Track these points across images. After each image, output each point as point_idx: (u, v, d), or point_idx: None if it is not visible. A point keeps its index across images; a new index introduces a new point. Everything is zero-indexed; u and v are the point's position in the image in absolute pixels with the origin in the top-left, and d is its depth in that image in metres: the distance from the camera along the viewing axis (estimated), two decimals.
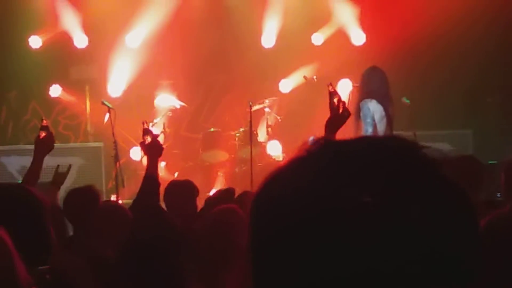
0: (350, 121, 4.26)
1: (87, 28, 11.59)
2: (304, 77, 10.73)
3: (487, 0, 10.97)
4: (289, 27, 11.65)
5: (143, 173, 10.95)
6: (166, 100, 11.25)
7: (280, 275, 0.97)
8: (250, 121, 9.56)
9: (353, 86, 9.13)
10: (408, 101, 9.24)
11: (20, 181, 5.29)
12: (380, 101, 7.57)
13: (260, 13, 11.65)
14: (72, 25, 11.57)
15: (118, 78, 11.56)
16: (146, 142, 4.66)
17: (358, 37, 11.62)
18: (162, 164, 11.01)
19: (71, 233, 4.58)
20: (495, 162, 7.35)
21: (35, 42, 11.53)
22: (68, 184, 9.95)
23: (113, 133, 9.04)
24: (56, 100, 11.83)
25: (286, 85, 11.74)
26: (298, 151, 1.04)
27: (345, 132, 4.03)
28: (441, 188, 0.98)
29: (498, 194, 5.31)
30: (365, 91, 7.80)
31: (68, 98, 11.84)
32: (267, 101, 10.84)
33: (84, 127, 12.00)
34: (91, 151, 10.96)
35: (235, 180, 10.03)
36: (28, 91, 11.79)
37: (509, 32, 11.08)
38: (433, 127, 10.60)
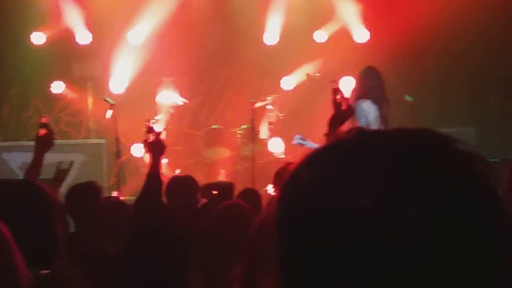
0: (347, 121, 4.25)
1: (90, 25, 11.58)
2: (307, 74, 10.72)
3: None
4: (292, 25, 11.64)
5: (144, 170, 10.92)
6: (168, 97, 11.24)
7: (309, 262, 0.97)
8: (252, 119, 9.55)
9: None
10: (411, 99, 9.24)
11: (21, 178, 5.28)
12: (374, 101, 7.56)
13: (263, 10, 11.64)
14: (75, 22, 11.57)
15: (121, 75, 11.56)
16: (149, 140, 4.65)
17: (361, 35, 11.61)
18: (164, 161, 11.01)
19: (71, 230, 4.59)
20: (497, 160, 7.33)
21: (37, 38, 11.53)
22: (69, 180, 9.95)
23: (115, 130, 9.03)
24: (58, 96, 11.83)
25: (289, 82, 11.73)
26: (330, 139, 1.04)
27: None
28: (471, 183, 0.97)
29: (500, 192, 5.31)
30: (359, 91, 7.80)
31: (70, 94, 11.85)
32: (269, 98, 10.83)
33: (86, 124, 12.01)
34: (93, 147, 10.96)
35: (236, 177, 10.03)
36: (30, 87, 11.79)
37: (511, 30, 11.06)
38: (435, 125, 10.54)
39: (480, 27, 10.77)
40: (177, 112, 11.33)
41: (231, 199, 5.18)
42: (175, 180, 5.71)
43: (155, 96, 11.44)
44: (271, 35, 11.73)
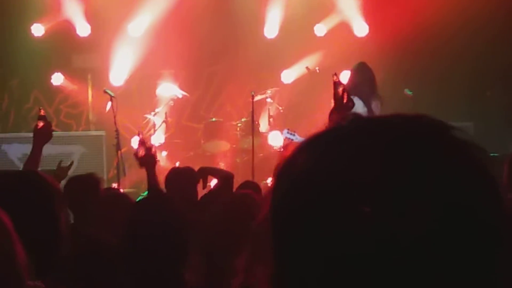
0: None
1: (90, 17, 11.57)
2: (307, 68, 10.72)
3: None
4: (292, 18, 11.63)
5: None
6: (168, 90, 11.24)
7: (302, 248, 0.97)
8: (252, 111, 9.55)
9: None
10: (410, 93, 9.24)
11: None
12: (361, 97, 7.57)
13: (263, 3, 11.63)
14: (75, 14, 11.56)
15: (120, 67, 11.56)
16: (140, 155, 4.64)
17: (360, 29, 11.60)
18: (163, 154, 11.02)
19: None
20: (496, 154, 7.34)
21: (37, 30, 11.52)
22: (69, 172, 9.98)
23: (115, 122, 9.04)
24: (58, 88, 11.83)
25: (288, 75, 11.73)
26: (324, 126, 1.03)
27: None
28: (469, 170, 0.97)
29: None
30: (347, 87, 7.83)
31: (70, 86, 11.85)
32: (269, 91, 10.82)
33: (86, 116, 12.01)
34: (92, 139, 10.97)
35: (236, 170, 10.02)
36: (30, 79, 11.78)
37: (510, 25, 11.05)
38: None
39: (480, 22, 10.76)
40: (177, 105, 11.33)
41: (231, 190, 5.17)
42: (174, 172, 5.70)
43: (154, 89, 11.44)
44: (271, 28, 11.72)
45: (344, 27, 11.63)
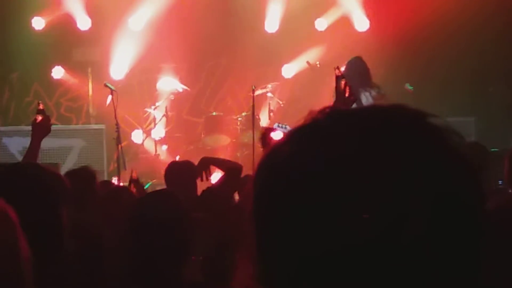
0: None
1: (90, 10, 11.56)
2: (307, 62, 10.70)
3: None
4: (293, 12, 11.62)
5: (144, 156, 10.91)
6: (169, 84, 11.23)
7: (284, 241, 0.97)
8: (253, 106, 9.54)
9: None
10: (411, 88, 9.24)
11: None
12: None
13: None
14: (76, 7, 11.54)
15: (121, 61, 11.54)
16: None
17: (361, 23, 11.59)
18: (164, 148, 11.02)
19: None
20: (497, 150, 7.34)
21: (38, 23, 11.51)
22: (70, 166, 9.98)
23: (115, 116, 9.02)
24: (59, 82, 11.83)
25: (289, 70, 11.72)
26: (304, 120, 1.04)
27: None
28: (446, 156, 0.97)
29: (500, 182, 5.30)
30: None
31: (71, 80, 11.84)
32: (269, 85, 10.81)
33: (86, 109, 12.00)
34: (93, 133, 10.96)
35: None
36: (31, 72, 11.77)
37: None
38: (435, 114, 10.54)
39: (482, 17, 10.74)
40: (177, 99, 11.32)
41: (239, 185, 5.09)
42: (173, 165, 5.68)
43: (155, 83, 11.43)
44: (272, 22, 11.71)
45: (345, 22, 11.61)
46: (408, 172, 0.93)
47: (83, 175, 4.76)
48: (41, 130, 4.55)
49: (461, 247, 0.95)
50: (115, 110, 9.00)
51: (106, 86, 9.32)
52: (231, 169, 5.13)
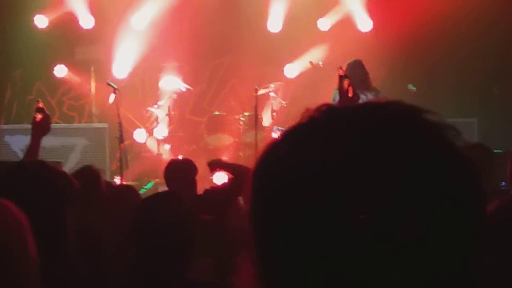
0: None
1: (94, 9, 11.56)
2: (310, 62, 10.70)
3: None
4: (296, 12, 11.61)
5: (147, 155, 10.90)
6: (171, 83, 11.23)
7: (282, 242, 0.96)
8: (256, 106, 9.54)
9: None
10: (414, 88, 9.23)
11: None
12: None
13: None
14: (79, 6, 11.55)
15: (124, 60, 11.55)
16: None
17: (364, 24, 11.58)
18: (166, 147, 11.02)
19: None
20: (500, 151, 7.33)
21: (41, 21, 11.51)
22: (72, 164, 9.99)
23: (118, 115, 9.03)
24: (61, 80, 11.83)
25: (292, 70, 11.71)
26: (301, 118, 1.03)
27: None
28: (444, 154, 0.96)
29: (503, 183, 5.30)
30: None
31: (73, 78, 11.84)
32: (272, 85, 10.81)
33: (88, 108, 12.00)
34: (95, 132, 10.97)
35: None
36: (33, 70, 11.78)
37: None
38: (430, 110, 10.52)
39: (486, 20, 10.72)
40: (180, 98, 11.32)
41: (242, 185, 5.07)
42: (173, 163, 5.67)
43: (158, 82, 11.43)
44: (275, 22, 11.70)
45: (348, 22, 11.60)
46: (408, 172, 0.93)
47: (88, 175, 4.76)
48: (40, 128, 4.54)
49: (461, 247, 0.94)
50: (117, 109, 9.01)
51: (109, 84, 9.33)
52: (239, 173, 5.02)
